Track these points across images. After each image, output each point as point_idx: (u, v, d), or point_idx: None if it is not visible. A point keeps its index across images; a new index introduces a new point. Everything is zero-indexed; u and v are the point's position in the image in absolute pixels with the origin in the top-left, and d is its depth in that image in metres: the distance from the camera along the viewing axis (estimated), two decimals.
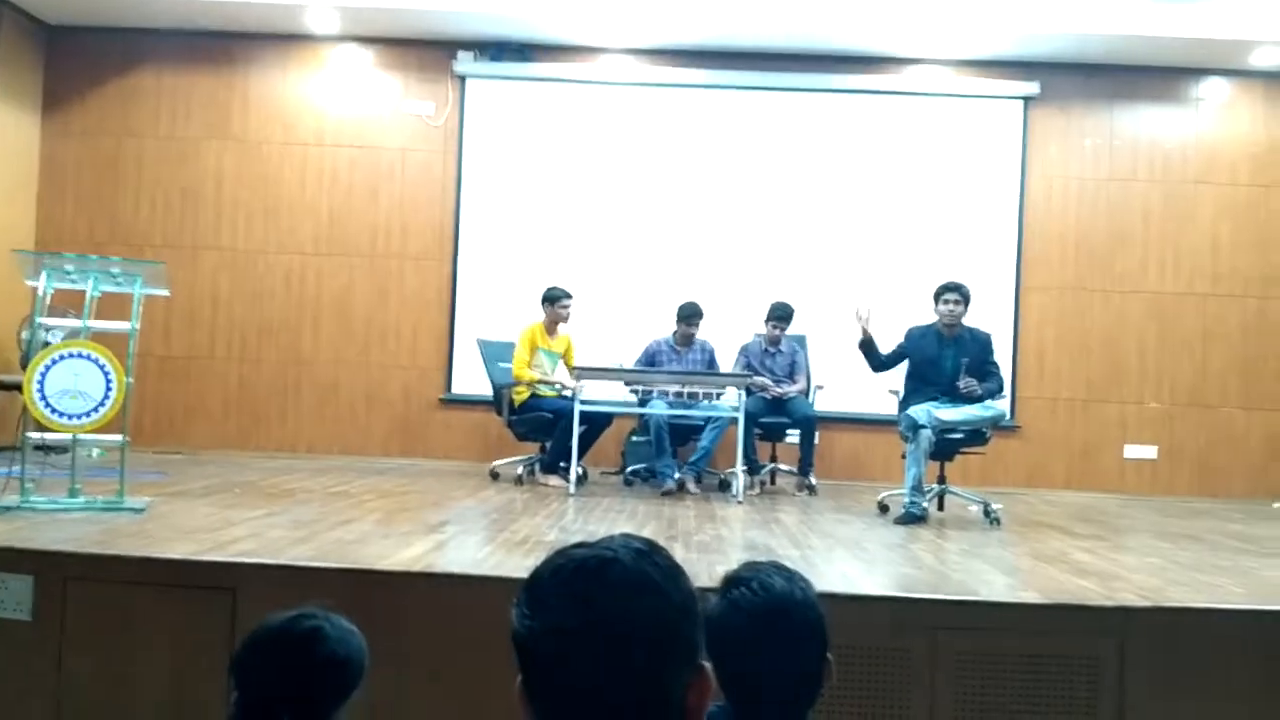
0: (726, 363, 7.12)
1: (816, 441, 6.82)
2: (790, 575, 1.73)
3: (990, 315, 7.08)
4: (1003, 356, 6.62)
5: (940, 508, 5.92)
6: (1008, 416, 7.00)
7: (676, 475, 6.44)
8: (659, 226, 7.91)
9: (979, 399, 5.69)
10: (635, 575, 1.02)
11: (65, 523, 4.16)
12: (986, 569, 4.22)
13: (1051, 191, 7.92)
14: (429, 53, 7.96)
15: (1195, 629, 3.46)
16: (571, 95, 8.00)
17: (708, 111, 7.97)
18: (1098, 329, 7.86)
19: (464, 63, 7.93)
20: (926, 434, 5.50)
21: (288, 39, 7.95)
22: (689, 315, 6.90)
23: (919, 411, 5.57)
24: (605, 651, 0.98)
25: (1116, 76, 7.87)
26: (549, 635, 1.00)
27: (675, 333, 7.00)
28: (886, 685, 3.33)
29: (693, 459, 6.59)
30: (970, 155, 7.93)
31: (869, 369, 6.05)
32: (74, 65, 7.97)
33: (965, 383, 5.63)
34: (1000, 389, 5.89)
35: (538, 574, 1.05)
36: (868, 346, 5.96)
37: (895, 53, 7.80)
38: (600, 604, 1.00)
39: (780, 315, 6.93)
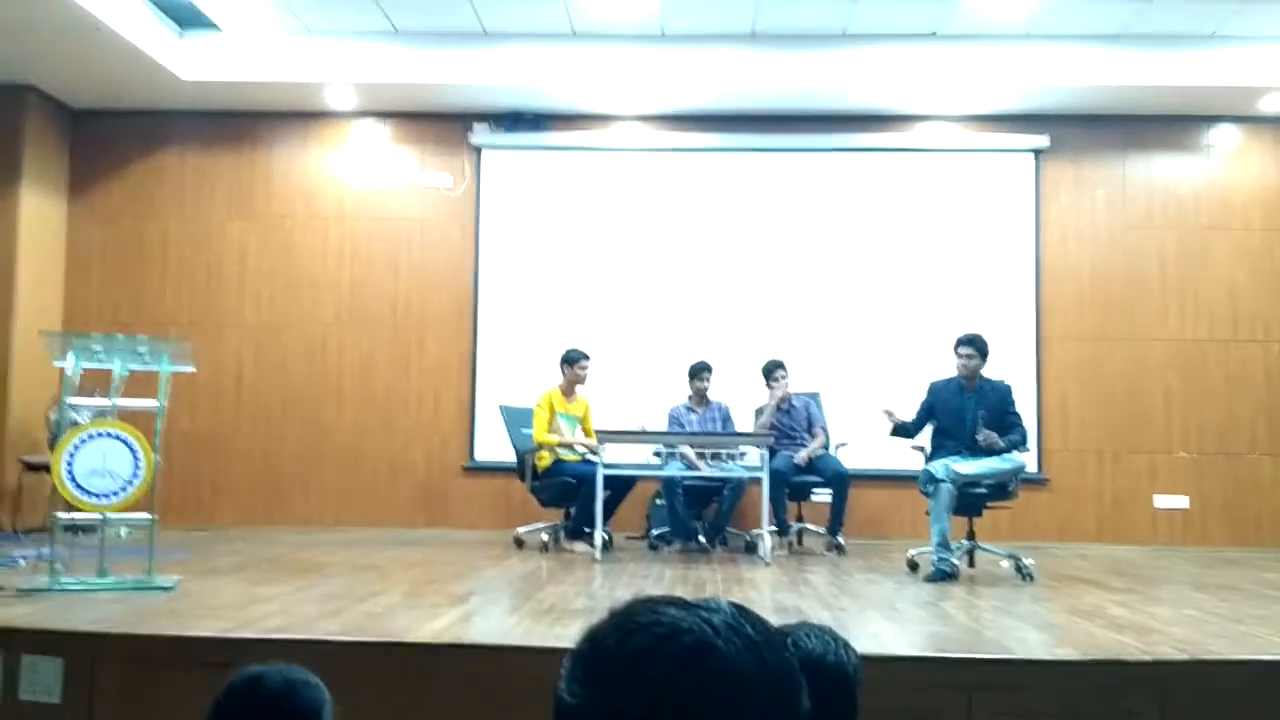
0: (741, 423, 7.12)
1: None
2: (830, 639, 1.72)
3: (1012, 368, 7.07)
4: (1027, 409, 6.58)
5: (971, 564, 5.85)
6: (1028, 468, 6.92)
7: (699, 538, 6.50)
8: (675, 289, 7.96)
9: (1001, 451, 5.65)
10: (737, 675, 0.80)
11: (94, 603, 4.17)
12: (1020, 626, 4.16)
13: (1067, 242, 7.93)
14: (445, 125, 8.11)
15: (1237, 681, 3.40)
16: (586, 162, 8.12)
17: (720, 175, 8.06)
18: (1121, 378, 7.82)
19: (480, 134, 8.07)
20: (946, 488, 5.46)
21: (308, 116, 8.11)
22: (698, 371, 7.00)
23: (936, 466, 5.56)
24: None
25: (1126, 126, 7.92)
26: (601, 716, 0.81)
27: (690, 395, 7.03)
28: None
29: (713, 524, 6.65)
30: (984, 209, 7.97)
31: (906, 440, 6.03)
32: (98, 149, 8.15)
33: (984, 435, 5.60)
34: (1023, 440, 5.83)
35: (602, 637, 0.84)
36: (899, 430, 5.96)
37: (905, 110, 7.89)
38: (680, 699, 0.79)
39: (775, 366, 7.00)
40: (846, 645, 1.71)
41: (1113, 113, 7.83)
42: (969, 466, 5.60)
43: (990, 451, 5.62)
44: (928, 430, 5.99)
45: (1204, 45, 7.23)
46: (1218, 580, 5.66)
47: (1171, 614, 4.42)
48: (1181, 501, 7.67)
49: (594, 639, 0.84)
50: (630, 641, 0.82)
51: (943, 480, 5.48)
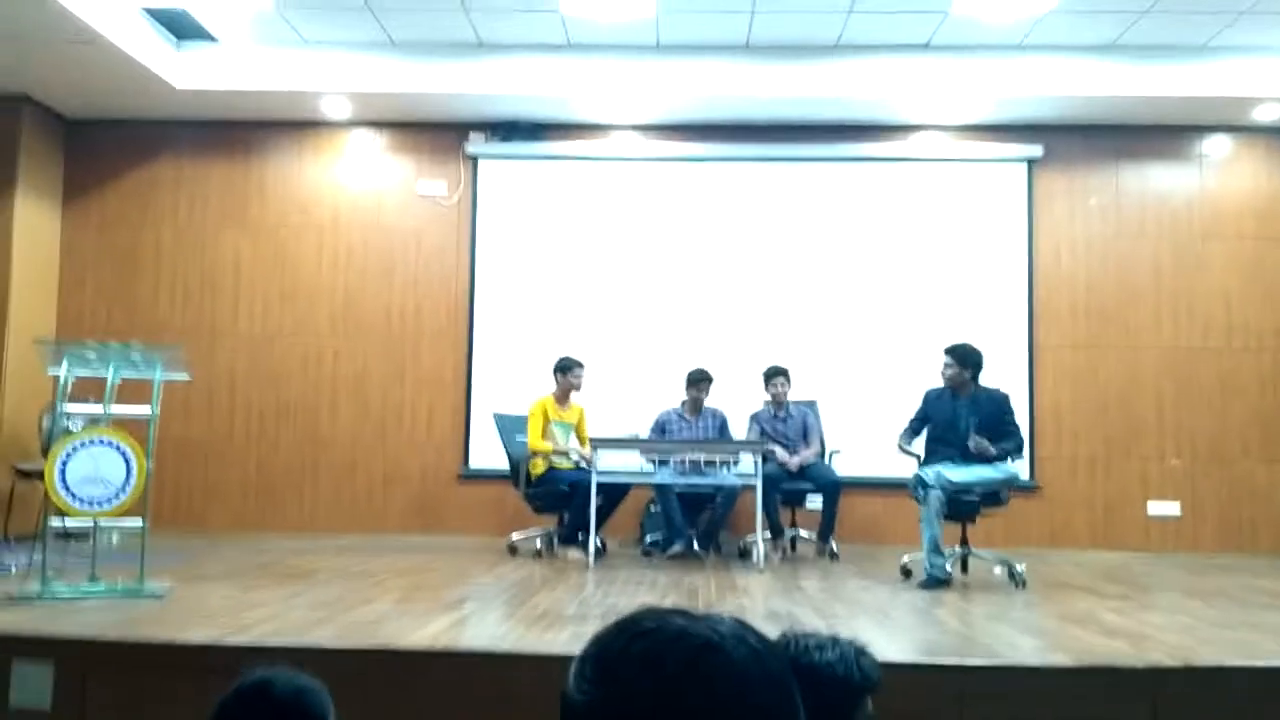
0: (739, 430, 7.12)
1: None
2: (843, 650, 1.71)
3: (1005, 375, 7.06)
4: (1020, 417, 6.57)
5: (964, 570, 5.85)
6: (1021, 477, 6.87)
7: (694, 544, 6.49)
8: (670, 298, 7.97)
9: (994, 459, 5.65)
10: (742, 676, 0.84)
11: (86, 610, 4.16)
12: (1013, 632, 4.17)
13: (1060, 251, 7.95)
14: (441, 135, 8.12)
15: (1229, 688, 3.40)
16: (581, 172, 8.13)
17: (715, 184, 8.08)
18: (1114, 386, 7.83)
19: (475, 143, 8.08)
20: (936, 494, 5.48)
21: (303, 126, 8.12)
22: (697, 380, 6.96)
23: (928, 472, 5.58)
24: None
25: (1119, 136, 7.95)
26: (611, 712, 0.84)
27: (685, 401, 7.03)
28: None
29: (705, 530, 6.64)
30: (977, 218, 7.99)
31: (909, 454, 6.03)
32: (93, 158, 8.15)
33: (975, 442, 5.59)
34: (1019, 449, 5.82)
35: (611, 639, 0.88)
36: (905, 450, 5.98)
37: (899, 120, 7.90)
38: (688, 696, 0.82)
39: (776, 372, 7.01)
40: (857, 658, 1.70)
41: (1106, 123, 7.85)
42: (960, 474, 5.60)
43: (983, 459, 5.63)
44: (922, 437, 6.01)
45: (1197, 57, 7.26)
46: (1210, 587, 5.66)
47: (1164, 620, 4.43)
48: (1174, 508, 7.68)
49: (602, 641, 0.87)
50: (639, 643, 0.85)
51: (932, 486, 5.49)
